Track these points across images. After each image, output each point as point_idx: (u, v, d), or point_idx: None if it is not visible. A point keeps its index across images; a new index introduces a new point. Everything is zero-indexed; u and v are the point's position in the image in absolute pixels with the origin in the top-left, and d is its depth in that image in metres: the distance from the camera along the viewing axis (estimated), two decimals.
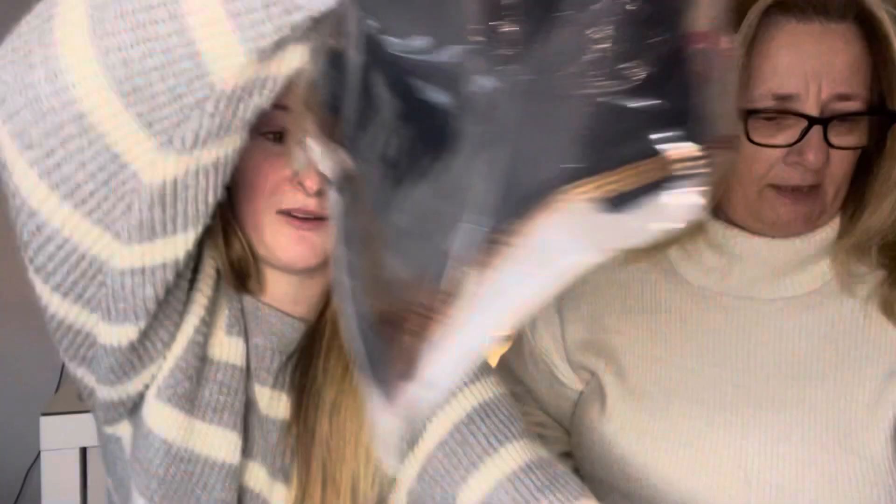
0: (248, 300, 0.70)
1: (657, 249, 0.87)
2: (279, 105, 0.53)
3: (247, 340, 0.70)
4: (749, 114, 0.77)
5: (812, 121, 0.74)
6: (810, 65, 0.74)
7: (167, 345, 0.63)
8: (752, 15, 0.75)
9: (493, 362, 1.09)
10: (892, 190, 0.78)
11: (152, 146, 0.47)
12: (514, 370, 1.03)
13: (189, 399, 0.66)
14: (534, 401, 1.00)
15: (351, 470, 0.74)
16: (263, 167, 0.63)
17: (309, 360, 0.74)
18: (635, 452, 0.82)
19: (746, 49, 0.76)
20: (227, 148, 0.50)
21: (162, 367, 0.64)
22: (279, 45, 0.44)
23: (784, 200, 0.78)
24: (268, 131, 0.64)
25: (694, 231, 0.85)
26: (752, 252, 0.83)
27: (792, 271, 0.83)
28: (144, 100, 0.45)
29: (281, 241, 0.66)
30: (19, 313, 1.88)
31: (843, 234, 0.82)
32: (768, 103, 0.76)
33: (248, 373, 0.70)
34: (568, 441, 0.98)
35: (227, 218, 0.68)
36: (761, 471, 0.76)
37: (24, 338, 1.75)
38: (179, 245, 0.54)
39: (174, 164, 0.48)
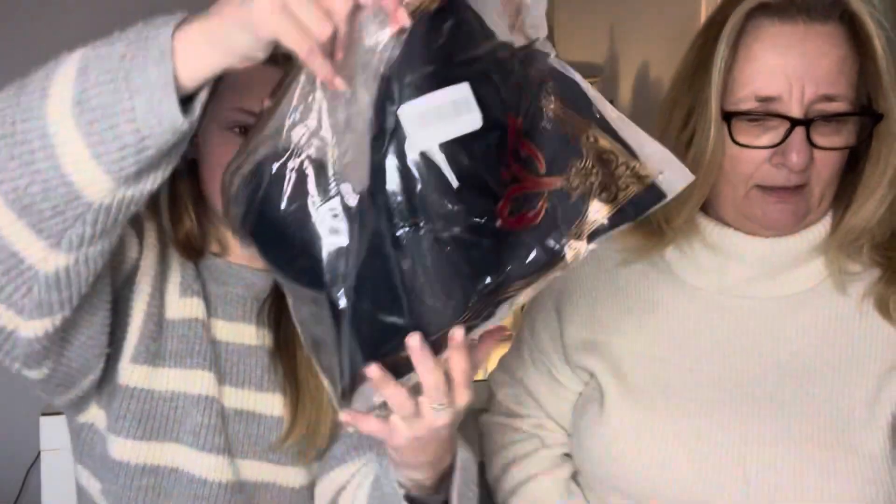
0: (212, 262, 0.89)
1: (654, 249, 0.88)
2: (244, 109, 0.80)
3: (206, 295, 0.87)
4: (733, 115, 0.78)
5: (794, 122, 0.74)
6: (794, 66, 0.75)
7: (124, 330, 0.81)
8: (736, 17, 0.76)
9: (493, 364, 1.09)
10: (876, 190, 0.78)
11: (44, 246, 0.59)
12: (513, 372, 1.03)
13: (156, 354, 0.83)
14: (533, 402, 1.00)
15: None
16: (227, 155, 0.73)
17: (282, 299, 0.84)
18: (634, 451, 0.82)
19: (731, 51, 0.77)
20: (111, 239, 0.62)
21: (127, 339, 0.81)
22: (141, 172, 0.57)
23: (770, 200, 0.79)
24: (234, 126, 0.82)
25: (689, 231, 0.86)
26: (747, 251, 0.83)
27: (787, 270, 0.83)
28: (33, 214, 0.58)
29: None
30: None
31: (833, 232, 0.83)
32: (752, 105, 0.77)
33: (208, 322, 0.87)
34: (567, 442, 0.98)
35: (181, 199, 0.87)
36: (760, 469, 0.76)
37: None
38: (79, 313, 0.68)
39: (65, 258, 0.60)
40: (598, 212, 0.58)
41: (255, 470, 0.87)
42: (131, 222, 0.81)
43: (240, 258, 0.90)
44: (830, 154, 0.76)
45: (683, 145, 0.81)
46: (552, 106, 0.59)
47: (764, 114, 0.76)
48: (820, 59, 0.74)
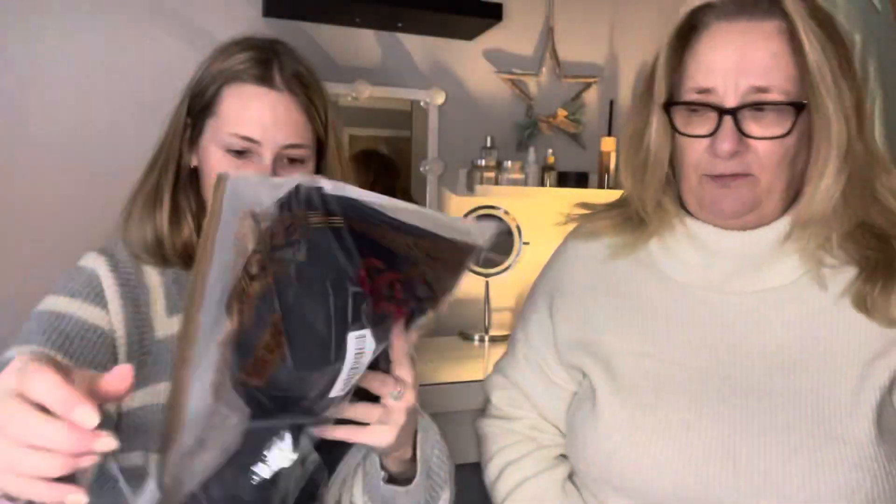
0: None
1: (638, 243, 0.91)
2: (239, 135, 0.88)
3: None
4: (672, 105, 0.83)
5: (722, 111, 0.78)
6: (729, 60, 0.78)
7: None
8: (680, 15, 0.82)
9: (489, 368, 1.09)
10: (821, 181, 0.79)
11: None
12: (508, 374, 1.03)
13: (147, 376, 0.86)
14: (529, 403, 1.00)
15: None
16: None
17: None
18: (626, 446, 0.83)
19: (675, 49, 0.83)
20: None
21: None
22: None
23: (715, 186, 0.82)
24: (230, 149, 0.88)
25: (671, 227, 0.89)
26: (726, 246, 0.85)
27: (768, 263, 0.84)
28: None
29: None
30: (20, 313, 1.88)
31: (795, 225, 0.84)
32: (691, 97, 0.82)
33: None
34: (563, 443, 0.98)
35: (181, 208, 0.93)
36: (748, 458, 0.77)
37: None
38: None
39: None
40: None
41: None
42: (93, 302, 0.86)
43: None
44: (767, 143, 0.78)
45: (640, 137, 0.88)
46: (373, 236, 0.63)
47: (700, 104, 0.80)
48: (754, 53, 0.77)
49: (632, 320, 0.90)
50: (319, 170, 0.95)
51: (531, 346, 1.00)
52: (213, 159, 0.90)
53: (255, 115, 0.88)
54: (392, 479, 0.84)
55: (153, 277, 0.92)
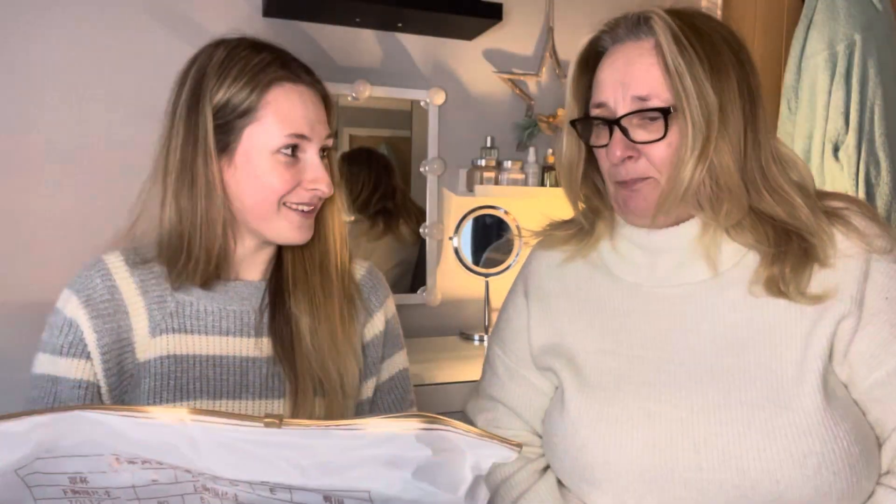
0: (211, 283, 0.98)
1: (588, 248, 1.01)
2: (292, 134, 0.91)
3: (191, 321, 0.96)
4: (575, 122, 0.95)
5: (608, 122, 0.89)
6: (618, 76, 0.88)
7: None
8: (583, 44, 0.95)
9: (469, 395, 1.11)
10: (681, 166, 0.84)
11: None
12: (493, 395, 1.06)
13: (135, 399, 0.92)
14: (513, 418, 1.03)
15: (337, 368, 0.99)
16: (279, 177, 0.94)
17: (280, 306, 1.00)
18: (593, 438, 0.87)
19: (583, 73, 0.95)
20: None
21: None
22: None
23: (624, 192, 0.91)
24: (283, 149, 0.92)
25: (618, 230, 0.98)
26: (662, 243, 0.92)
27: (704, 255, 0.90)
28: None
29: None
30: (20, 313, 1.88)
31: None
32: (593, 112, 0.92)
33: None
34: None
35: (215, 222, 0.94)
36: (707, 436, 0.82)
37: (24, 338, 1.74)
38: None
39: None
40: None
41: None
42: (78, 356, 0.93)
43: (238, 275, 1.01)
44: (653, 147, 0.86)
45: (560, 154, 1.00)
46: None
47: (595, 118, 0.91)
48: (634, 68, 0.87)
49: (591, 321, 0.96)
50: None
51: (510, 356, 1.04)
52: (265, 164, 0.91)
53: (301, 112, 0.92)
54: None
55: (134, 299, 0.95)
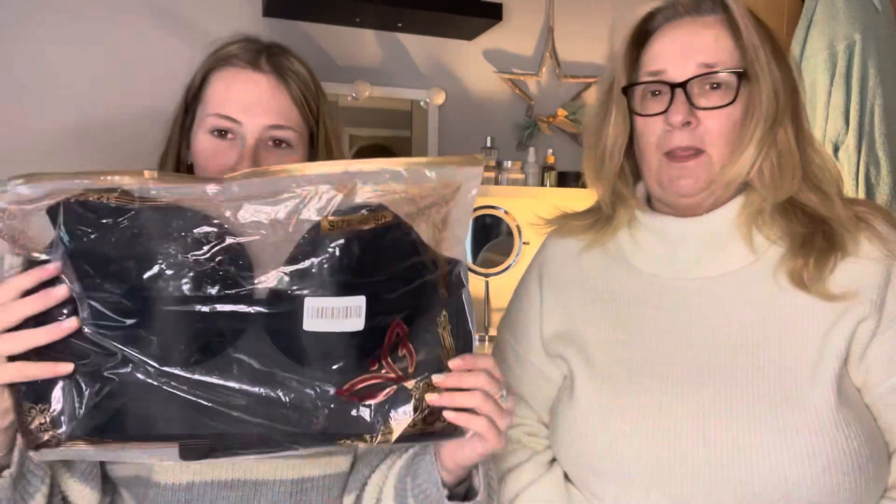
0: None
1: (606, 236, 0.99)
2: (221, 114, 0.87)
3: None
4: (628, 88, 0.92)
5: (672, 86, 0.87)
6: (678, 44, 0.89)
7: None
8: (635, 20, 0.93)
9: None
10: (749, 144, 0.85)
11: None
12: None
13: None
14: (523, 406, 1.02)
15: None
16: (213, 157, 0.89)
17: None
18: (601, 427, 0.87)
19: (631, 50, 0.93)
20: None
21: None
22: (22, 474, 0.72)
23: (674, 165, 0.89)
24: (214, 130, 0.88)
25: (638, 219, 0.97)
26: (686, 232, 0.91)
27: (727, 246, 0.89)
28: None
29: None
30: None
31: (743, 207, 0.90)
32: (645, 80, 0.91)
33: None
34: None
35: None
36: (717, 431, 0.82)
37: None
38: None
39: None
40: (406, 422, 0.69)
41: (252, 469, 0.86)
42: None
43: None
44: (715, 117, 0.86)
45: (599, 132, 0.97)
46: (440, 319, 0.72)
47: (651, 83, 0.89)
48: (699, 38, 0.88)
49: (605, 311, 0.96)
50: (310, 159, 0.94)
51: (521, 344, 1.03)
52: (200, 145, 0.89)
53: (237, 95, 0.88)
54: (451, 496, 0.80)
55: None
